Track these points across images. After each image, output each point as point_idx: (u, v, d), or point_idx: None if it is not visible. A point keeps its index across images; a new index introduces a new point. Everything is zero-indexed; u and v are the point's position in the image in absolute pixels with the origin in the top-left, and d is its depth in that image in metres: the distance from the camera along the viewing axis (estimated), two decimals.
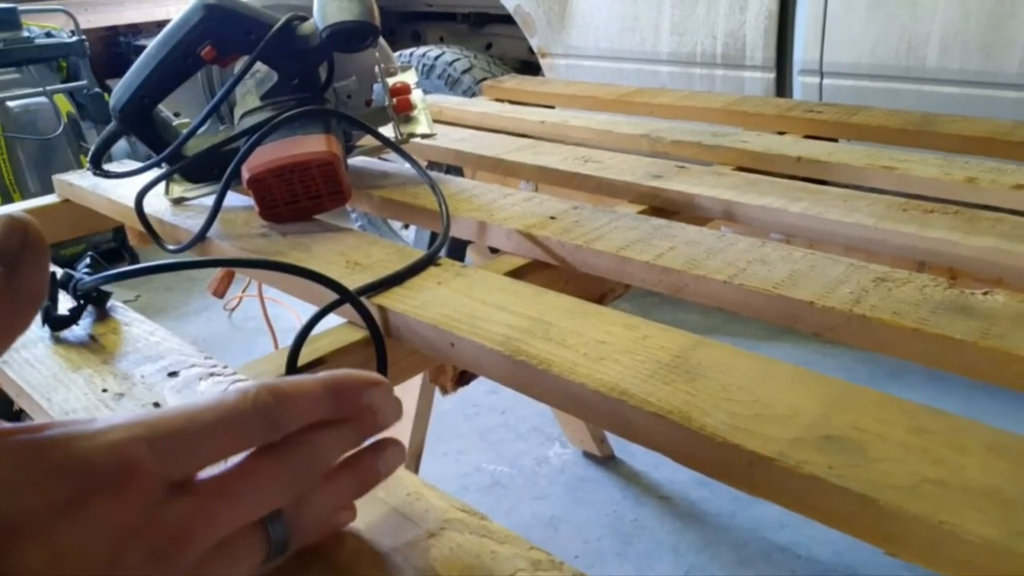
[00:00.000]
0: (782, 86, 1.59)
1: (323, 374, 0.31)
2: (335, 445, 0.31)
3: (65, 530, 0.24)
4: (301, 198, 0.70)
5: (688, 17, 1.64)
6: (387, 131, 0.79)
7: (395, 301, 0.55)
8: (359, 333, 0.54)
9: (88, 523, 0.24)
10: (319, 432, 0.30)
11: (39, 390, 0.46)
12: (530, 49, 1.97)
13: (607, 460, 1.54)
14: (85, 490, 0.25)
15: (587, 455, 1.56)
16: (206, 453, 0.28)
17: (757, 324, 1.78)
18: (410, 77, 0.81)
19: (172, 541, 0.26)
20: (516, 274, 0.63)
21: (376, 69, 0.80)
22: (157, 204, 0.78)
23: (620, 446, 1.56)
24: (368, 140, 0.81)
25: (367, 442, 0.33)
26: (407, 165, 0.79)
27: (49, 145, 2.31)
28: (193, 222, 0.72)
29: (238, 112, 0.76)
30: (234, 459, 0.29)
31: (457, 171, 1.29)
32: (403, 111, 0.80)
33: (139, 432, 0.26)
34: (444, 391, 0.65)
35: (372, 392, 0.32)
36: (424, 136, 0.80)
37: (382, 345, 0.52)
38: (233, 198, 0.75)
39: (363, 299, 0.53)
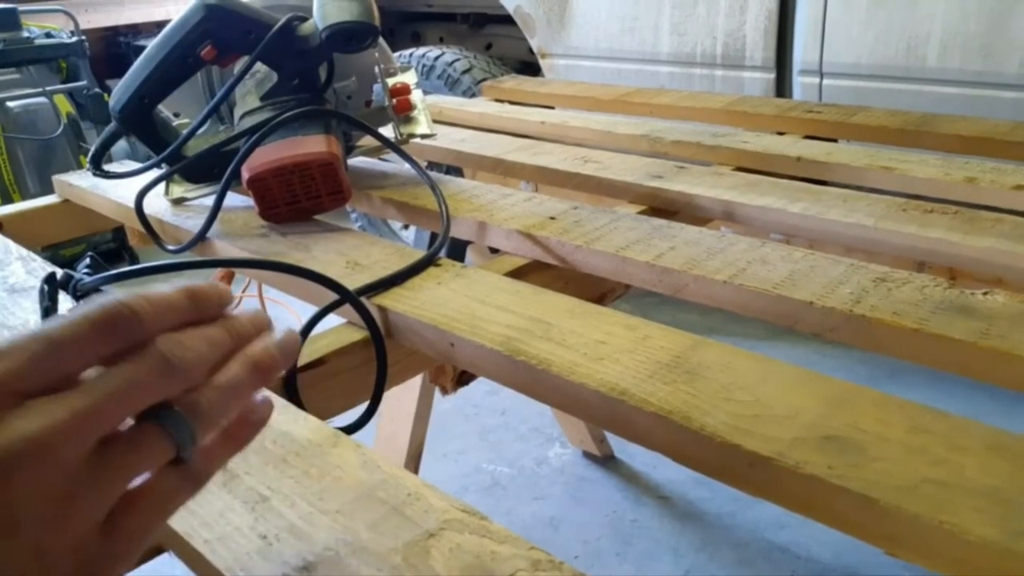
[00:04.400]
0: (782, 86, 1.59)
1: (180, 284, 0.32)
2: (206, 340, 0.31)
3: None
4: (301, 198, 0.70)
5: (688, 17, 1.64)
6: (387, 131, 0.79)
7: (395, 301, 0.55)
8: (359, 333, 0.54)
9: None
10: (187, 330, 0.31)
11: None
12: (530, 49, 1.97)
13: (607, 460, 1.54)
14: None
15: (587, 455, 1.56)
16: (60, 365, 0.28)
17: (757, 324, 1.78)
18: (410, 77, 0.82)
19: (39, 433, 0.26)
20: (516, 274, 0.63)
21: (376, 69, 0.80)
22: (157, 204, 0.78)
23: (620, 446, 1.56)
24: (368, 140, 0.81)
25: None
26: (407, 165, 0.79)
27: (49, 145, 2.31)
28: (193, 222, 0.72)
29: (238, 112, 0.76)
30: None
31: (457, 171, 1.29)
32: (403, 111, 0.80)
33: None
34: (444, 391, 0.65)
35: (222, 295, 0.33)
36: (424, 136, 0.80)
37: (382, 345, 0.52)
38: (233, 198, 0.75)
39: (363, 299, 0.54)
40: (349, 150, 0.82)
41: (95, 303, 0.29)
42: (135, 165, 0.83)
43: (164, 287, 0.31)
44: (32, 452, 0.26)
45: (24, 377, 0.27)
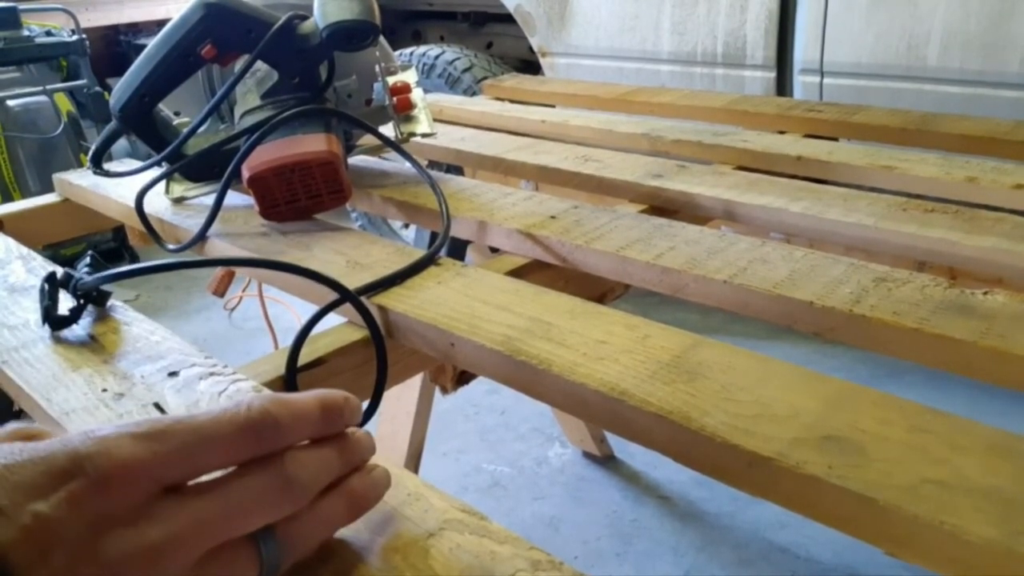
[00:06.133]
0: (783, 85, 1.59)
1: (313, 392, 0.32)
2: (325, 464, 0.31)
3: (44, 509, 0.24)
4: (301, 197, 0.70)
5: (689, 16, 1.64)
6: (387, 130, 0.79)
7: (395, 301, 0.55)
8: (359, 333, 0.54)
9: (68, 505, 0.25)
10: (310, 450, 0.31)
11: (39, 390, 0.46)
12: (530, 48, 1.97)
13: (607, 460, 1.54)
14: (69, 477, 0.25)
15: (587, 455, 1.56)
16: (201, 460, 0.28)
17: (757, 324, 1.78)
18: (410, 76, 0.81)
19: (160, 539, 0.26)
20: (516, 274, 0.63)
21: (376, 68, 0.80)
22: (157, 203, 0.78)
23: (620, 446, 1.56)
24: (368, 139, 0.81)
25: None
26: (407, 164, 0.79)
27: (49, 144, 2.31)
28: (193, 221, 0.72)
29: (238, 111, 0.76)
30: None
31: (457, 170, 1.29)
32: (403, 110, 0.80)
33: (132, 431, 0.27)
34: (444, 391, 0.65)
35: (353, 410, 0.33)
36: (424, 135, 0.80)
37: (382, 345, 0.52)
38: (233, 197, 0.75)
39: (363, 299, 0.53)
40: (349, 149, 0.82)
41: (242, 404, 0.29)
42: (135, 164, 0.83)
43: (301, 395, 0.32)
44: (147, 558, 0.26)
45: (168, 465, 0.27)
